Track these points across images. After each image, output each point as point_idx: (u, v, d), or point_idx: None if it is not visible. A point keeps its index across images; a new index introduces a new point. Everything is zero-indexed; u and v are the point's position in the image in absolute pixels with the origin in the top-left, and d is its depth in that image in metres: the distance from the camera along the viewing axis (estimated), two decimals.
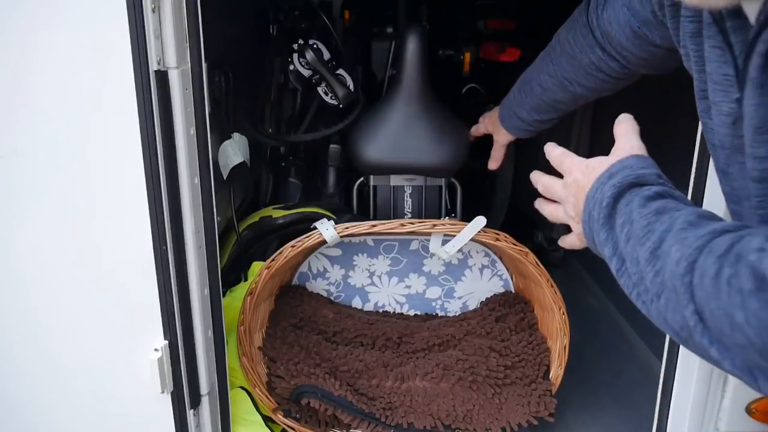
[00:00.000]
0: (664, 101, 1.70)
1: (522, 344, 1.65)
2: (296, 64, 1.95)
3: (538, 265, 1.56)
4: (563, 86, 1.31)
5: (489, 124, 1.62)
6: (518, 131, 1.51)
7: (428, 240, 1.68)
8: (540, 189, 0.96)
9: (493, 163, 1.64)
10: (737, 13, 0.66)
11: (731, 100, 0.71)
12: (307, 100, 2.04)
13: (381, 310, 1.83)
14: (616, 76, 1.23)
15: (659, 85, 1.78)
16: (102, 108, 1.04)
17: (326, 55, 1.94)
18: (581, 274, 2.36)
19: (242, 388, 1.53)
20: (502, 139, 1.58)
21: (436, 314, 1.83)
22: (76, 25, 0.99)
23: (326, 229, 1.54)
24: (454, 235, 1.58)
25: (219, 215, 1.29)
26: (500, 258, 1.77)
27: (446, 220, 1.70)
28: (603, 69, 1.22)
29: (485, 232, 1.56)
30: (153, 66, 1.01)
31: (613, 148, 0.84)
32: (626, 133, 0.84)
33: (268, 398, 1.52)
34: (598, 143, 2.18)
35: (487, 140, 2.38)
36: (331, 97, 1.93)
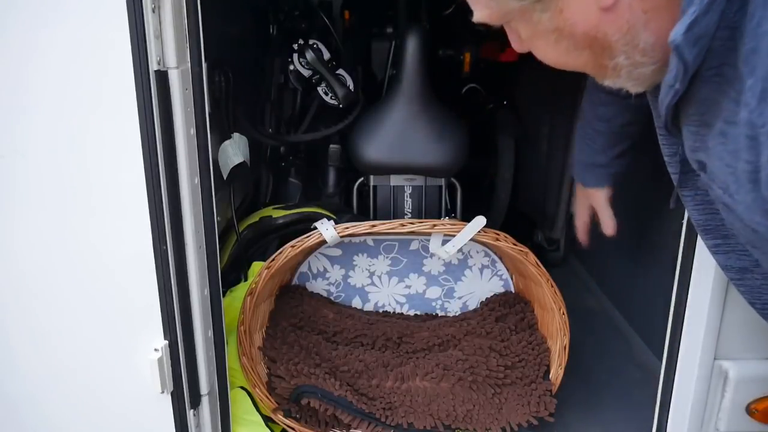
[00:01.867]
0: None
1: (522, 344, 1.64)
2: (296, 64, 1.95)
3: (538, 265, 1.56)
4: (625, 107, 1.25)
5: (582, 200, 1.47)
6: (604, 179, 1.39)
7: (428, 240, 1.68)
8: None
9: (608, 229, 1.43)
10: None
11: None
12: (307, 100, 2.04)
13: (381, 310, 1.83)
14: None
15: None
16: (102, 108, 1.04)
17: (326, 55, 1.95)
18: (581, 274, 2.36)
19: (242, 388, 1.53)
20: (599, 198, 1.42)
21: (436, 314, 1.83)
22: (76, 25, 0.99)
23: (326, 229, 1.54)
24: (454, 235, 1.58)
25: (219, 215, 1.29)
26: (500, 258, 1.77)
27: (446, 220, 1.70)
28: None
29: (485, 232, 1.56)
30: (153, 66, 1.01)
31: None
32: None
33: (268, 398, 1.52)
34: None
35: (487, 140, 2.38)
36: (331, 97, 1.93)
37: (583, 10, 0.67)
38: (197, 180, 1.14)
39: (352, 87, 1.93)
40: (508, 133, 2.30)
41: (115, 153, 1.06)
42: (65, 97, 1.04)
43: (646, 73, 0.71)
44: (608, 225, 1.42)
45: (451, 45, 2.45)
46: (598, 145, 1.34)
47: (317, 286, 1.79)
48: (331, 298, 1.80)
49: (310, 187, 2.15)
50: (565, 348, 1.58)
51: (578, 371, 1.72)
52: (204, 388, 1.27)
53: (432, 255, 1.74)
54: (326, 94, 1.93)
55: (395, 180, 1.97)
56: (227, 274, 1.72)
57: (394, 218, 1.95)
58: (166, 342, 1.17)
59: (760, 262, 0.78)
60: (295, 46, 1.94)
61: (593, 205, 1.44)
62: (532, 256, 1.56)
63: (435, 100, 1.86)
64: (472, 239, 1.57)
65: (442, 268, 1.79)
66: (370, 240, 1.75)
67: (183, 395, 1.23)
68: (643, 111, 1.22)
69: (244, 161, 1.66)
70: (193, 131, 1.11)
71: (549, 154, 2.35)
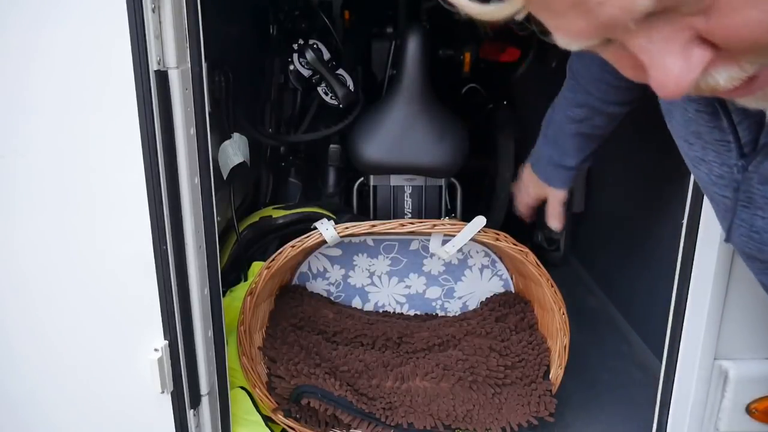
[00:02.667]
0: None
1: (522, 344, 1.64)
2: (296, 64, 1.95)
3: (538, 265, 1.56)
4: (598, 110, 1.20)
5: (535, 190, 1.41)
6: (569, 181, 1.34)
7: (428, 240, 1.68)
8: None
9: (557, 223, 1.40)
10: None
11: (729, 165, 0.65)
12: (307, 100, 2.04)
13: (381, 310, 1.83)
14: None
15: None
16: (102, 108, 1.04)
17: (326, 55, 1.95)
18: (581, 274, 2.36)
19: (242, 388, 1.53)
20: (558, 197, 1.37)
21: (436, 314, 1.83)
22: (76, 25, 0.99)
23: (326, 229, 1.54)
24: (454, 235, 1.58)
25: (219, 215, 1.29)
26: (500, 258, 1.77)
27: (446, 220, 1.70)
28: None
29: (485, 232, 1.56)
30: (153, 66, 1.01)
31: None
32: None
33: (268, 398, 1.52)
34: None
35: (487, 140, 2.38)
36: (331, 97, 1.93)
37: None
38: (197, 180, 1.14)
39: (352, 87, 1.93)
40: (508, 133, 2.30)
41: (115, 153, 1.06)
42: (65, 97, 1.04)
43: None
44: (560, 221, 1.38)
45: (451, 45, 2.45)
46: (569, 146, 1.28)
47: (317, 286, 1.79)
48: (331, 298, 1.80)
49: (310, 187, 2.15)
50: (565, 348, 1.58)
51: (578, 371, 1.73)
52: (204, 388, 1.27)
53: (432, 255, 1.74)
54: (326, 94, 1.93)
55: (395, 180, 1.97)
56: (227, 274, 1.72)
57: (394, 218, 1.95)
58: (166, 342, 1.17)
59: None
60: (295, 46, 1.94)
61: (549, 201, 1.38)
62: (532, 256, 1.55)
63: (435, 100, 1.86)
64: (472, 239, 1.57)
65: (442, 268, 1.79)
66: (370, 240, 1.75)
67: (183, 395, 1.23)
68: (615, 116, 1.21)
69: (244, 161, 1.66)
70: (193, 131, 1.11)
71: None
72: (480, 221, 1.55)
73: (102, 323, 1.18)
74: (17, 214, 1.12)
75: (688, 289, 1.17)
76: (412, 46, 1.82)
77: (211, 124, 1.15)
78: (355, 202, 2.06)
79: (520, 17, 0.43)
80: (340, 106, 1.92)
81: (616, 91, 1.15)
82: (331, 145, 2.07)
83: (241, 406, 1.50)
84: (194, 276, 1.18)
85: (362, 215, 1.99)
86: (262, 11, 2.06)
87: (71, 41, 1.00)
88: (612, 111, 1.20)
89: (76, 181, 1.09)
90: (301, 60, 1.94)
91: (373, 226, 1.54)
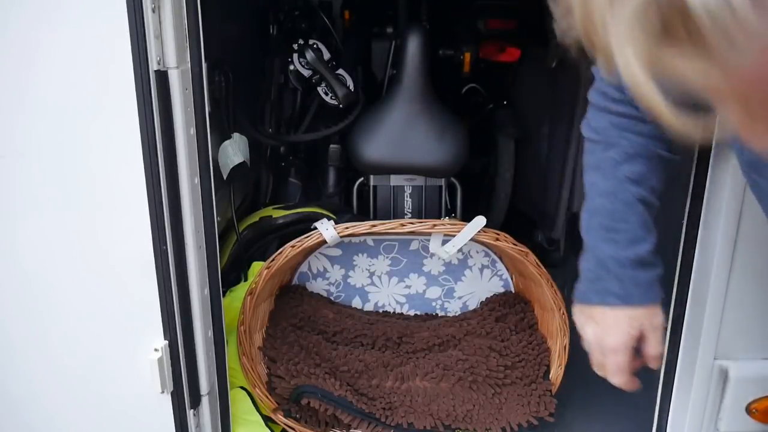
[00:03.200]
0: None
1: (522, 344, 1.64)
2: (296, 64, 1.95)
3: (538, 265, 1.56)
4: (658, 157, 0.90)
5: (609, 336, 0.93)
6: (655, 286, 0.91)
7: (428, 240, 1.68)
8: None
9: (633, 385, 0.98)
10: None
11: None
12: (307, 100, 2.04)
13: (381, 310, 1.83)
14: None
15: None
16: (102, 108, 1.04)
17: (326, 55, 1.95)
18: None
19: (242, 388, 1.53)
20: (653, 317, 0.91)
21: (436, 314, 1.83)
22: (77, 25, 0.99)
23: (326, 229, 1.54)
24: (454, 235, 1.58)
25: (219, 215, 1.29)
26: (500, 258, 1.77)
27: (446, 220, 1.70)
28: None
29: (485, 232, 1.55)
30: (153, 66, 1.01)
31: None
32: None
33: (268, 398, 1.52)
34: None
35: (487, 140, 2.38)
36: (331, 97, 1.93)
37: None
38: (197, 180, 1.14)
39: (352, 87, 1.93)
40: (508, 133, 2.30)
41: (115, 153, 1.06)
42: (65, 97, 1.04)
43: None
44: (657, 355, 0.93)
45: (451, 45, 2.45)
46: (636, 222, 0.88)
47: (317, 286, 1.79)
48: (331, 298, 1.80)
49: (310, 187, 2.15)
50: (565, 348, 1.58)
51: (578, 371, 1.72)
52: (204, 388, 1.27)
53: (432, 255, 1.74)
54: (326, 94, 1.93)
55: (395, 180, 1.97)
56: (227, 274, 1.72)
57: (394, 218, 1.95)
58: (166, 342, 1.17)
59: None
60: (295, 46, 1.94)
61: (646, 335, 0.91)
62: (532, 256, 1.55)
63: (435, 100, 1.86)
64: (472, 239, 1.57)
65: (442, 268, 1.79)
66: (370, 240, 1.75)
67: (183, 395, 1.23)
68: (668, 166, 0.91)
69: (244, 161, 1.66)
70: (193, 131, 1.11)
71: (549, 154, 2.35)
72: (480, 221, 1.55)
73: (102, 323, 1.18)
74: (18, 215, 1.12)
75: (688, 289, 1.17)
76: (412, 46, 1.82)
77: (211, 124, 1.15)
78: (355, 202, 2.06)
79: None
80: (340, 106, 1.92)
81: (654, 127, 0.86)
82: (331, 145, 2.07)
83: (241, 406, 1.50)
84: (194, 276, 1.18)
85: (362, 215, 1.99)
86: (262, 11, 2.06)
87: (71, 41, 1.00)
88: (665, 156, 0.91)
89: (76, 181, 1.09)
90: (301, 60, 1.94)
91: (373, 226, 1.54)
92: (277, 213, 1.81)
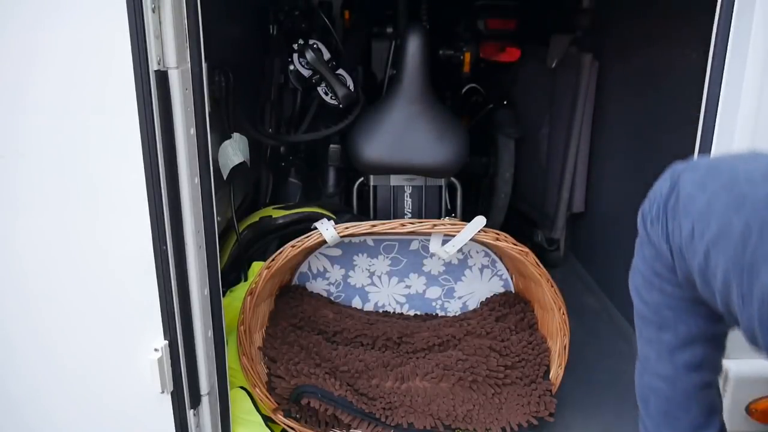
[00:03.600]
0: (661, 102, 1.71)
1: (522, 344, 1.65)
2: (296, 64, 1.95)
3: (538, 265, 1.56)
4: (717, 337, 0.85)
5: None
6: None
7: (428, 240, 1.68)
8: None
9: None
10: None
11: None
12: (307, 100, 2.04)
13: (381, 310, 1.83)
14: None
15: (656, 85, 1.78)
16: (102, 108, 1.04)
17: (326, 55, 1.95)
18: (581, 274, 2.36)
19: (242, 388, 1.53)
20: None
21: (436, 314, 1.83)
22: (77, 25, 0.99)
23: (326, 229, 1.54)
24: (454, 235, 1.58)
25: (219, 215, 1.29)
26: (500, 258, 1.77)
27: (446, 220, 1.70)
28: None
29: (485, 232, 1.56)
30: (153, 66, 1.01)
31: None
32: None
33: (268, 398, 1.52)
34: (598, 141, 2.18)
35: (487, 140, 2.38)
36: (331, 97, 1.93)
37: None
38: (197, 180, 1.14)
39: (352, 87, 1.93)
40: (508, 133, 2.30)
41: (115, 153, 1.06)
42: (66, 97, 1.04)
43: None
44: None
45: (451, 45, 2.45)
46: (694, 417, 0.86)
47: (317, 286, 1.79)
48: (331, 298, 1.81)
49: (310, 187, 2.16)
50: (565, 348, 1.58)
51: (578, 371, 1.73)
52: (204, 388, 1.27)
53: (432, 255, 1.74)
54: (326, 94, 1.93)
55: (395, 180, 1.97)
56: (227, 274, 1.72)
57: (394, 218, 1.95)
58: (166, 342, 1.17)
59: None
60: (295, 46, 1.94)
61: None
62: (532, 256, 1.56)
63: (435, 100, 1.86)
64: (472, 239, 1.57)
65: (442, 268, 1.79)
66: (370, 240, 1.75)
67: (183, 395, 1.23)
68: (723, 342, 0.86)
69: (244, 161, 1.66)
70: (193, 131, 1.11)
71: (549, 154, 2.36)
72: (480, 221, 1.55)
73: (102, 323, 1.18)
74: (18, 214, 1.12)
75: None
76: (412, 46, 1.82)
77: (211, 124, 1.15)
78: (355, 202, 2.06)
79: None
80: (340, 106, 1.92)
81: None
82: (331, 145, 2.07)
83: (241, 406, 1.50)
84: (194, 276, 1.18)
85: (362, 215, 1.99)
86: (262, 11, 2.06)
87: (72, 41, 1.00)
88: (725, 332, 0.86)
89: (76, 181, 1.09)
90: (301, 60, 1.94)
91: (373, 226, 1.54)
92: (277, 213, 1.81)
